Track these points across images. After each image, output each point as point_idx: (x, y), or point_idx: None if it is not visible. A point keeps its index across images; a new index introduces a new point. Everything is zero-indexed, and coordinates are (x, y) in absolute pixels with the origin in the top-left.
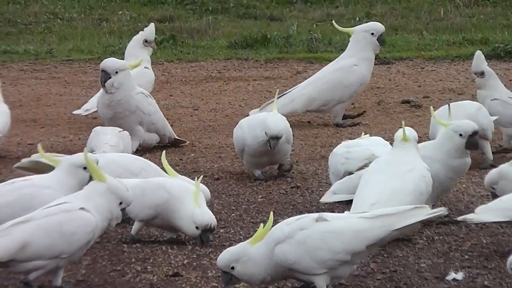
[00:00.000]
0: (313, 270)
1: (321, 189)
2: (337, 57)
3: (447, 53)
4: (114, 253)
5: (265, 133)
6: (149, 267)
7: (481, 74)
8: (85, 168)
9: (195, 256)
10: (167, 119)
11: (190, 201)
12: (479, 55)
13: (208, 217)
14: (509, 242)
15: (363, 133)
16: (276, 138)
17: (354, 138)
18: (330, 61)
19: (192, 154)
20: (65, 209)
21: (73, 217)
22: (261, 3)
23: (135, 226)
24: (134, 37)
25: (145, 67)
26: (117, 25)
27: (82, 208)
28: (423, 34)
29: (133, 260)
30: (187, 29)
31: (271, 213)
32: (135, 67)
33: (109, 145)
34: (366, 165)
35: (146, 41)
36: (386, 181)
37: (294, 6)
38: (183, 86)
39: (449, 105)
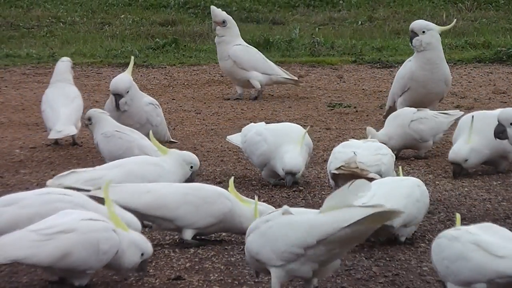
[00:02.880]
0: (272, 261)
1: (323, 192)
2: (339, 60)
3: (450, 57)
4: None
5: (282, 169)
6: (151, 270)
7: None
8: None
9: (197, 259)
10: (169, 122)
11: (239, 201)
12: (369, 130)
13: (271, 210)
14: None
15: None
16: (291, 174)
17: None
18: (333, 65)
19: None
20: (103, 228)
21: (107, 236)
22: (263, 7)
23: (189, 232)
24: None
25: None
26: (119, 29)
27: (113, 230)
28: None
29: None
30: (190, 33)
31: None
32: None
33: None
34: (342, 167)
35: None
36: (380, 186)
37: (296, 10)
38: (185, 90)
39: (472, 116)
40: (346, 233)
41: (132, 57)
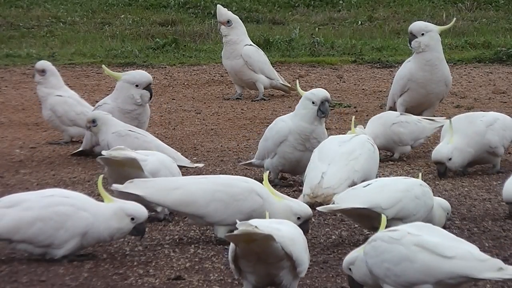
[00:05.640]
0: None
1: None
2: (339, 60)
3: (450, 56)
4: (116, 257)
5: (312, 102)
6: (151, 270)
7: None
8: (132, 219)
9: (197, 259)
10: (169, 122)
11: (272, 196)
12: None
13: (306, 206)
14: (511, 246)
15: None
16: (327, 101)
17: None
18: (332, 65)
19: (195, 158)
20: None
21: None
22: (263, 7)
23: (221, 229)
24: None
25: None
26: (119, 29)
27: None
28: None
29: (135, 263)
30: (190, 32)
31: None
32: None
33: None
34: (307, 195)
35: None
36: (381, 180)
37: (296, 10)
38: (185, 90)
39: (450, 120)
40: (241, 250)
41: (104, 66)
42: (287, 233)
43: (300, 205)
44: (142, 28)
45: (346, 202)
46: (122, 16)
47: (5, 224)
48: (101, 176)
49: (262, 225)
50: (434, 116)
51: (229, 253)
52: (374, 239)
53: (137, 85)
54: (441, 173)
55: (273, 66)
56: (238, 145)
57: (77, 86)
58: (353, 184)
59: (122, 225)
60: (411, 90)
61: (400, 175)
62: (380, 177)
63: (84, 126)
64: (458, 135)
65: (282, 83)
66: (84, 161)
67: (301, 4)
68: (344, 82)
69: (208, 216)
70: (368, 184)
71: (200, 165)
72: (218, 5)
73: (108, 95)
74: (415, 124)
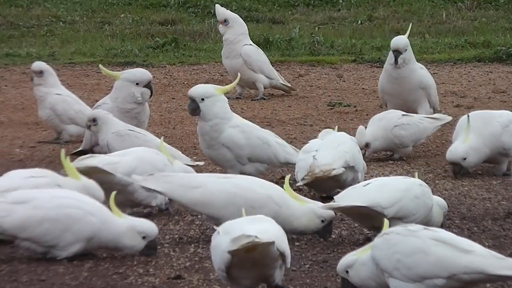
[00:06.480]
0: None
1: None
2: (339, 60)
3: (449, 56)
4: (116, 256)
5: None
6: (151, 269)
7: (366, 146)
8: (144, 237)
9: (197, 258)
10: (169, 122)
11: (293, 200)
12: (360, 130)
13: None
14: (511, 245)
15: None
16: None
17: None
18: (332, 64)
19: (195, 157)
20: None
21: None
22: (263, 6)
23: None
24: None
25: None
26: (119, 28)
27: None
28: (425, 37)
29: (135, 262)
30: (189, 32)
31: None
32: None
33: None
34: (306, 177)
35: None
36: (380, 180)
37: (296, 9)
38: (185, 89)
39: (468, 117)
40: (238, 260)
41: (101, 65)
42: (275, 232)
43: (323, 208)
44: (142, 27)
45: (346, 200)
46: (122, 15)
47: (13, 220)
48: (114, 192)
49: (257, 232)
50: (434, 112)
51: (218, 264)
52: (386, 232)
53: (137, 83)
54: (456, 173)
55: (273, 66)
56: None
57: (77, 86)
58: (346, 164)
59: (135, 243)
60: (389, 101)
61: (400, 175)
62: (380, 176)
63: (83, 125)
64: (474, 134)
65: (282, 82)
66: None
67: (301, 3)
68: (344, 81)
69: (224, 219)
70: (368, 183)
71: (201, 163)
72: (216, 4)
73: (108, 94)
74: (417, 126)
